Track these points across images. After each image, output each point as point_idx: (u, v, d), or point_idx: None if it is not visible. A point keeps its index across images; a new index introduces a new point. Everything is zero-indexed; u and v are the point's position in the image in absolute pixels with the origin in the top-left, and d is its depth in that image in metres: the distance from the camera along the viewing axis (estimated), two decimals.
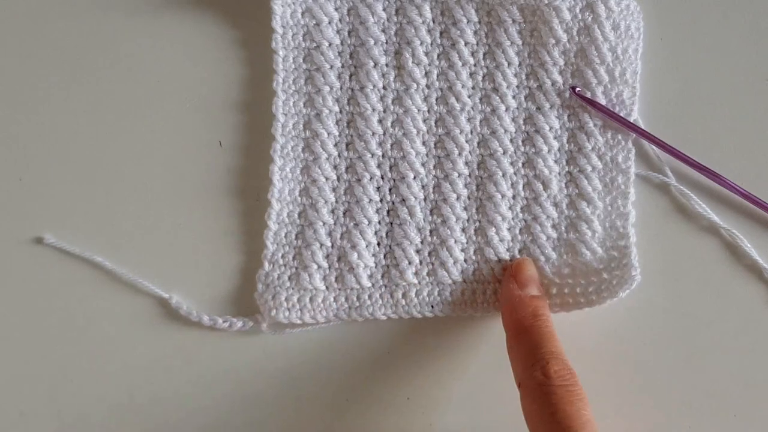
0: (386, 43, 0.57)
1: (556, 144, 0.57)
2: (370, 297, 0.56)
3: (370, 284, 0.56)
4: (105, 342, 0.57)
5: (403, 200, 0.56)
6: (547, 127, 0.57)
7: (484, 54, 0.57)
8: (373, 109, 0.57)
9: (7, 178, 0.57)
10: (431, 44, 0.57)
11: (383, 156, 0.57)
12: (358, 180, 0.56)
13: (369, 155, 0.57)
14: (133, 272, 0.57)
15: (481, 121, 0.57)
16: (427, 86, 0.57)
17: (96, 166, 0.58)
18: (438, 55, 0.57)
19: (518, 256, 0.57)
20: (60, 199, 0.57)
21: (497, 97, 0.57)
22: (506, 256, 0.57)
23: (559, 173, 0.57)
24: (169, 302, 0.56)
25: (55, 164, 0.57)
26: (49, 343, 0.57)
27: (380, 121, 0.57)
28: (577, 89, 0.57)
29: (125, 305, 0.57)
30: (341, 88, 0.57)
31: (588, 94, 0.57)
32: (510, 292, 0.53)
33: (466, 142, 0.57)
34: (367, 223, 0.56)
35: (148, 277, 0.57)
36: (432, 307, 0.56)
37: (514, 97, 0.57)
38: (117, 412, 0.56)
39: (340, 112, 0.57)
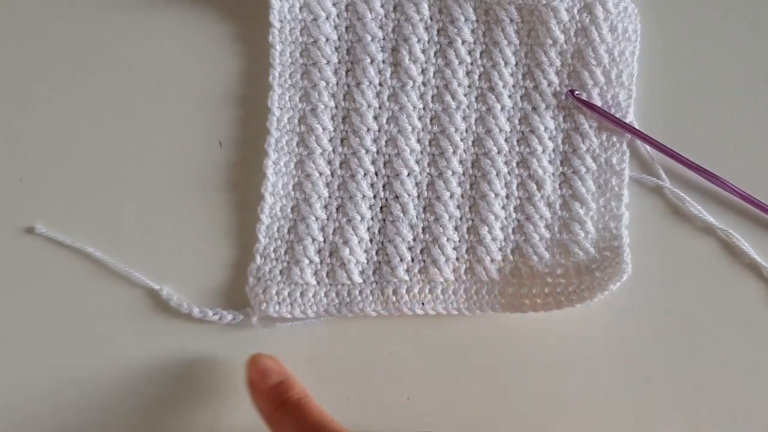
0: (383, 39, 0.56)
1: (550, 144, 0.57)
2: (360, 293, 0.55)
3: (361, 280, 0.55)
4: (94, 332, 0.56)
5: (397, 197, 0.56)
6: (543, 128, 0.56)
7: (481, 53, 0.57)
8: (369, 105, 0.56)
9: (4, 172, 0.57)
10: (428, 42, 0.56)
11: (378, 152, 0.56)
12: (352, 176, 0.56)
13: (363, 151, 0.56)
14: (124, 263, 0.56)
15: (476, 120, 0.56)
16: (423, 84, 0.56)
17: (88, 157, 0.57)
18: (435, 53, 0.57)
19: (510, 256, 0.56)
20: (53, 191, 0.57)
21: (493, 96, 0.56)
22: (498, 255, 0.56)
23: (553, 174, 0.56)
24: (160, 294, 0.56)
25: (50, 158, 0.57)
26: (36, 332, 0.57)
27: (375, 118, 0.56)
28: (576, 92, 0.57)
29: (116, 296, 0.56)
30: (337, 84, 0.56)
31: (584, 96, 0.57)
32: (252, 392, 0.52)
33: (461, 140, 0.56)
34: (359, 219, 0.56)
35: (139, 268, 0.56)
36: (422, 304, 0.56)
37: (509, 96, 0.57)
38: (104, 402, 0.56)
39: (336, 107, 0.56)
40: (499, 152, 0.57)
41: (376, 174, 0.56)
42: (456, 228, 0.56)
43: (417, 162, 0.56)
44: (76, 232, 0.56)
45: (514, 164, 0.57)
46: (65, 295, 0.56)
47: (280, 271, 0.56)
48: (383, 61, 0.56)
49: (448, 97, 0.56)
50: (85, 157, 0.57)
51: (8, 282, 0.56)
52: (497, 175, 0.56)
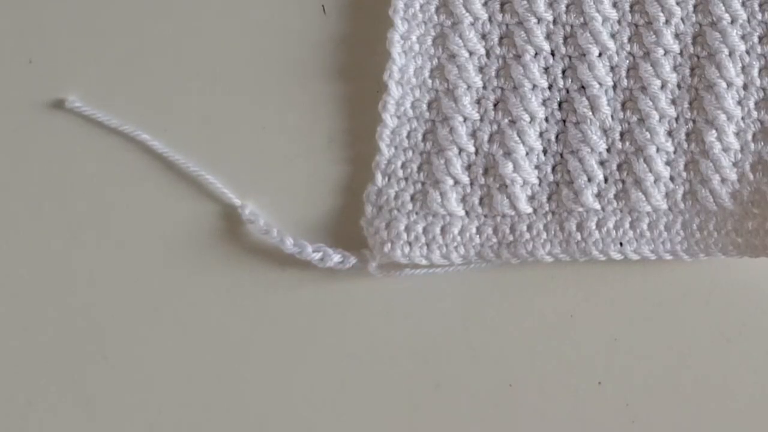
0: None
1: None
2: (529, 228, 0.50)
3: (530, 209, 0.50)
4: (139, 256, 0.52)
5: (583, 87, 0.50)
6: None
7: None
8: None
9: (27, 23, 0.53)
10: None
11: (555, 21, 0.50)
12: (517, 55, 0.50)
13: (534, 19, 0.50)
14: (190, 162, 0.52)
15: None
16: None
17: (142, 20, 0.53)
18: None
19: (750, 175, 0.49)
20: (92, 49, 0.53)
21: None
22: (732, 174, 0.49)
23: None
24: (240, 212, 0.51)
25: (88, 14, 0.53)
26: (66, 251, 0.52)
27: None
28: None
29: (174, 208, 0.52)
30: None
31: None
32: None
33: (677, 3, 0.49)
34: (528, 119, 0.50)
35: (211, 173, 0.52)
36: (621, 245, 0.50)
37: None
38: (141, 352, 0.52)
39: None
40: (732, 22, 0.49)
41: (553, 53, 0.50)
42: (670, 133, 0.50)
43: (613, 36, 0.50)
44: (123, 113, 0.51)
45: (755, 39, 0.49)
46: (101, 199, 0.52)
47: (412, 197, 0.51)
48: None
49: None
50: (138, 19, 0.53)
51: (26, 174, 0.52)
52: (730, 54, 0.49)
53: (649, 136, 0.50)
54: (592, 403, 0.52)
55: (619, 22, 0.50)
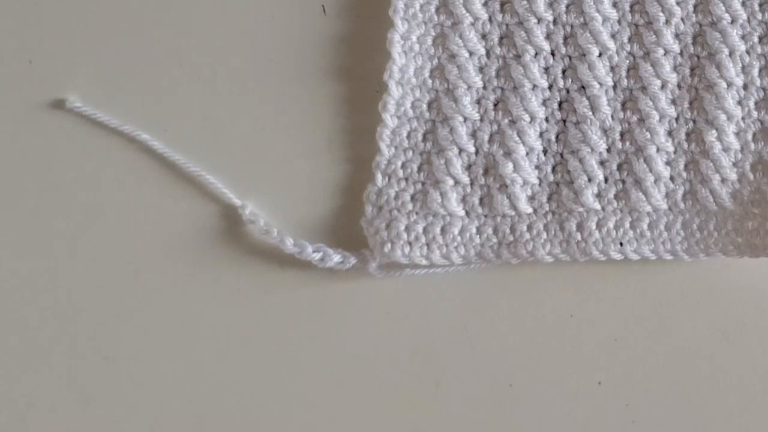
0: None
1: None
2: (530, 228, 0.50)
3: (530, 209, 0.50)
4: (139, 257, 0.52)
5: (583, 87, 0.50)
6: None
7: None
8: None
9: (28, 22, 0.53)
10: None
11: (555, 21, 0.50)
12: (517, 55, 0.50)
13: (534, 19, 0.50)
14: (191, 163, 0.51)
15: None
16: None
17: (142, 21, 0.53)
18: None
19: (751, 174, 0.49)
20: (92, 49, 0.53)
21: None
22: (732, 174, 0.49)
23: None
24: (241, 212, 0.51)
25: (89, 13, 0.53)
26: (68, 254, 0.52)
27: None
28: None
29: (174, 208, 0.52)
30: None
31: None
32: None
33: (678, 3, 0.49)
34: (528, 119, 0.50)
35: (211, 173, 0.52)
36: (621, 245, 0.50)
37: None
38: (141, 352, 0.52)
39: None
40: (732, 22, 0.49)
41: (553, 53, 0.50)
42: (670, 133, 0.50)
43: (613, 36, 0.50)
44: (123, 112, 0.51)
45: (755, 39, 0.49)
46: (101, 198, 0.52)
47: (412, 197, 0.51)
48: None
49: None
50: (138, 19, 0.53)
51: (27, 175, 0.52)
52: (731, 54, 0.49)
53: (649, 136, 0.50)
54: (592, 403, 0.51)
55: (619, 22, 0.50)
